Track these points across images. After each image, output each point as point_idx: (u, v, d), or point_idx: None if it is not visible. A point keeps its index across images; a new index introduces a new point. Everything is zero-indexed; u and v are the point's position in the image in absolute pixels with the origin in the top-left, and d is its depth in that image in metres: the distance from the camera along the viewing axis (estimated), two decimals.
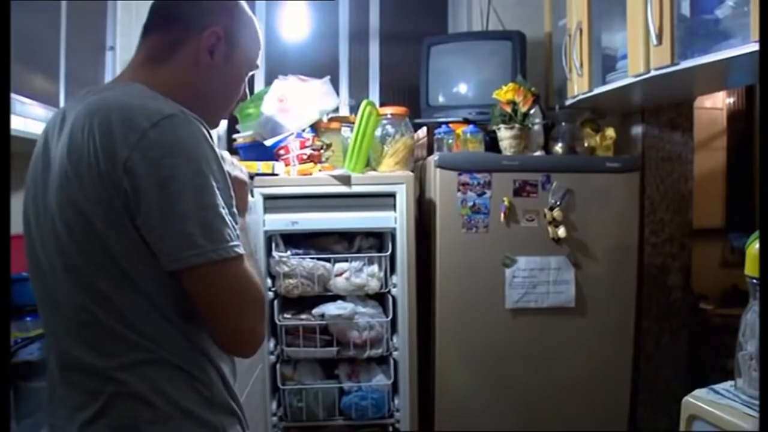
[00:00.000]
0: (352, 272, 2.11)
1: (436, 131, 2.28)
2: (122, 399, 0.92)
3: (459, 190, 2.10)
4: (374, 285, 2.13)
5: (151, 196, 0.86)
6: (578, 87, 2.18)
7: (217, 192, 0.90)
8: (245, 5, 1.09)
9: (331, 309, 2.11)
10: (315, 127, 2.31)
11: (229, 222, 0.91)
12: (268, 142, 2.20)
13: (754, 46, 1.37)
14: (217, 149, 0.93)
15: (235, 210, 0.95)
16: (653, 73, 1.74)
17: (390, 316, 2.14)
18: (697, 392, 1.36)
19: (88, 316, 0.92)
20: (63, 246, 0.93)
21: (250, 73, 1.13)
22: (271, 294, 2.11)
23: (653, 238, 2.38)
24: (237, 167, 1.15)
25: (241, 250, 0.91)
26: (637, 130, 2.42)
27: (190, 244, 0.87)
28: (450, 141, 2.23)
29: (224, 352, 0.99)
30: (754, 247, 1.28)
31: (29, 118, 1.64)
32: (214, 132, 2.52)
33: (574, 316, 2.18)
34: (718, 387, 1.35)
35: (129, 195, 0.87)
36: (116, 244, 0.90)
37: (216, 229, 0.88)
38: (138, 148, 0.86)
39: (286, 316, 2.14)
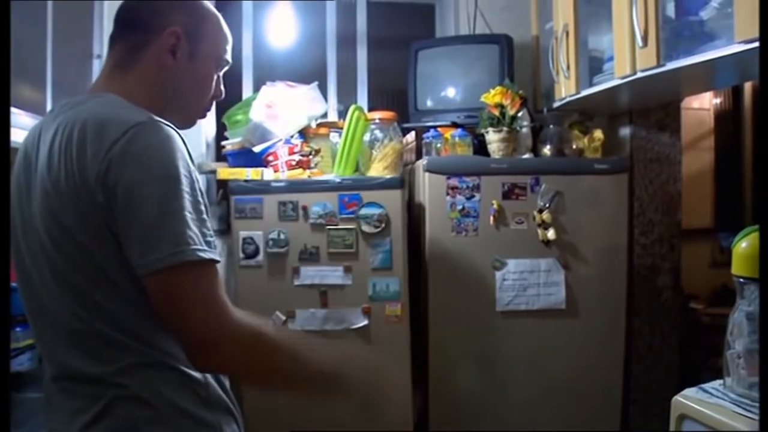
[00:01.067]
0: None
1: (425, 135, 2.28)
2: (121, 402, 0.92)
3: (448, 194, 2.11)
4: None
5: (121, 205, 0.87)
6: (566, 89, 2.18)
7: (186, 197, 0.89)
8: (205, 2, 1.08)
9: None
10: (304, 133, 2.31)
11: (195, 226, 0.89)
12: (257, 149, 2.19)
13: (739, 47, 1.38)
14: (187, 155, 0.93)
15: (205, 216, 0.93)
16: (639, 74, 1.75)
17: None
18: (687, 391, 1.37)
19: (81, 325, 0.93)
20: (50, 258, 0.93)
21: (222, 70, 1.12)
22: None
23: (643, 238, 2.38)
24: None
25: (207, 255, 0.89)
26: (625, 131, 2.43)
27: (153, 249, 0.86)
28: (438, 145, 2.23)
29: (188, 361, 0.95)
30: (740, 246, 1.29)
31: (16, 128, 1.63)
32: (203, 138, 2.53)
33: (565, 317, 2.18)
34: (707, 386, 1.35)
35: (104, 206, 0.88)
36: (100, 255, 0.90)
37: (179, 233, 0.87)
38: (108, 159, 0.87)
39: None
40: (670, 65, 1.65)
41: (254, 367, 0.99)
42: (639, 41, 1.70)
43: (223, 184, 2.25)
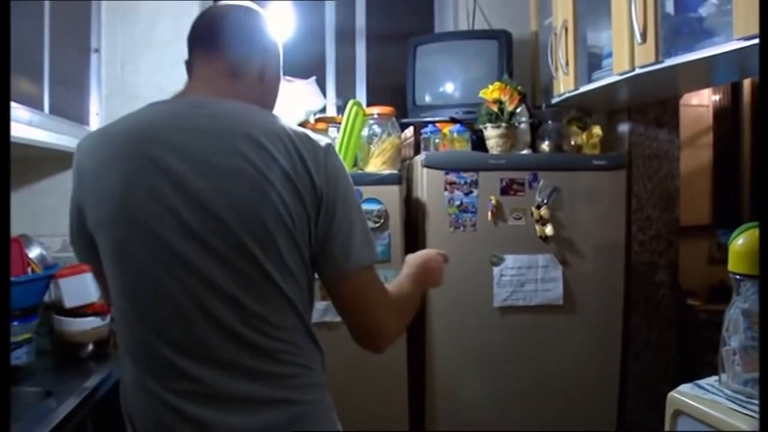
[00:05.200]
0: None
1: (423, 131, 2.28)
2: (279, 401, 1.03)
3: (446, 189, 2.11)
4: None
5: (337, 210, 1.03)
6: (564, 85, 2.18)
7: None
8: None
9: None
10: (302, 128, 2.30)
11: None
12: None
13: (738, 44, 1.38)
14: None
15: None
16: (638, 71, 1.75)
17: None
18: (682, 387, 1.37)
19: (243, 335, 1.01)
20: (209, 266, 0.98)
21: None
22: None
23: (640, 235, 2.39)
24: None
25: None
26: (624, 127, 2.43)
27: (365, 250, 1.05)
28: (437, 140, 2.23)
29: (362, 347, 1.13)
30: (736, 243, 1.30)
31: (13, 121, 1.63)
32: None
33: (563, 313, 2.18)
34: (702, 382, 1.36)
35: (312, 208, 1.02)
36: (275, 258, 1.00)
37: (371, 239, 1.09)
38: (324, 170, 1.02)
39: None
40: (669, 62, 1.65)
41: (408, 316, 1.22)
42: (638, 37, 1.69)
43: None
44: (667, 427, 1.42)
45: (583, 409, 2.24)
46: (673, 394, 1.39)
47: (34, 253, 2.20)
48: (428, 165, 2.12)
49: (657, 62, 1.68)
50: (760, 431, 1.03)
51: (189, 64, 1.16)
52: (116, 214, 1.02)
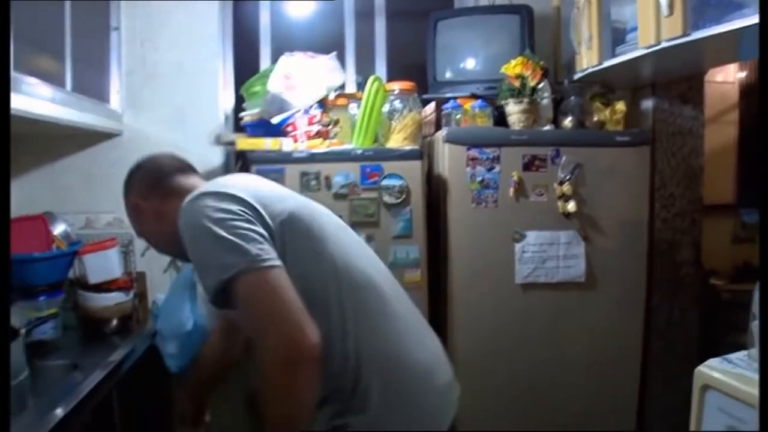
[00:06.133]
0: None
1: (444, 107, 2.26)
2: None
3: (468, 165, 2.09)
4: None
5: None
6: (587, 60, 2.15)
7: None
8: None
9: None
10: (322, 104, 2.30)
11: None
12: (275, 120, 2.19)
13: None
14: None
15: None
16: (664, 44, 1.72)
17: None
18: (711, 362, 1.36)
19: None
20: None
21: None
22: None
23: (663, 212, 2.36)
24: None
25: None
26: (648, 104, 2.39)
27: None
28: (458, 116, 2.21)
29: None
30: None
31: (36, 98, 1.65)
32: (221, 110, 2.52)
33: (585, 291, 2.17)
34: (731, 356, 1.35)
35: None
36: None
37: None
38: None
39: None
40: (696, 34, 1.61)
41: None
42: (664, 10, 1.66)
43: (241, 155, 2.25)
44: (694, 403, 1.41)
45: (603, 386, 2.23)
46: (701, 368, 1.38)
47: (58, 230, 2.23)
48: (450, 140, 2.11)
49: (684, 35, 1.65)
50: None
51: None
52: None
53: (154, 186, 1.39)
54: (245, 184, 1.26)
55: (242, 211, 1.18)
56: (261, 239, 1.15)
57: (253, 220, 1.17)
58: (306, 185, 2.02)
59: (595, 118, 2.26)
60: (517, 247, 2.12)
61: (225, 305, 1.15)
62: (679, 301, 2.40)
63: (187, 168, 1.45)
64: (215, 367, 1.77)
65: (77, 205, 2.36)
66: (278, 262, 1.13)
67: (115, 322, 2.15)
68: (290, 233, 1.21)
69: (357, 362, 1.19)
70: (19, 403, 1.54)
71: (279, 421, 1.09)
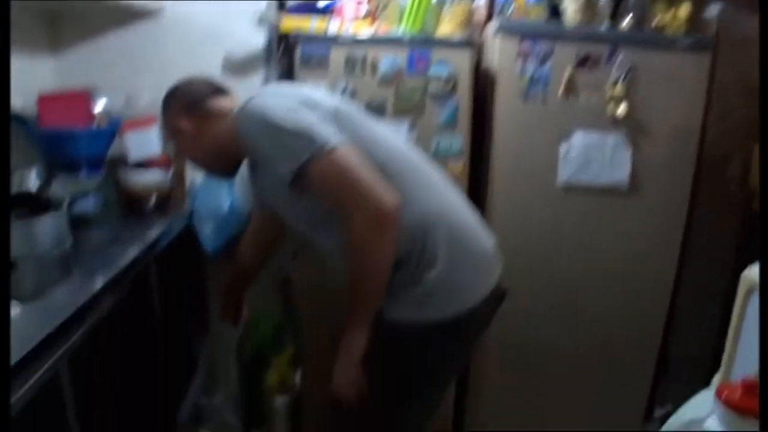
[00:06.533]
0: None
1: None
2: None
3: (518, 59, 2.01)
4: None
5: None
6: None
7: None
8: None
9: None
10: None
11: None
12: (322, 2, 2.12)
13: None
14: None
15: None
16: None
17: None
18: (756, 265, 1.33)
19: None
20: None
21: None
22: None
23: (716, 126, 2.27)
24: None
25: None
26: (713, 9, 2.26)
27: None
28: (511, 8, 2.11)
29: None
30: None
31: None
32: None
33: (626, 198, 2.13)
34: None
35: None
36: None
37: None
38: None
39: None
40: None
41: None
42: None
43: (284, 38, 2.19)
44: (736, 309, 1.39)
45: (634, 295, 2.23)
46: (747, 272, 1.35)
47: (100, 106, 2.23)
48: (502, 33, 2.02)
49: None
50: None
51: None
52: None
53: (191, 107, 1.49)
54: (290, 87, 1.42)
55: (300, 102, 1.32)
56: (325, 123, 1.30)
57: (312, 108, 1.32)
58: (351, 70, 1.97)
59: (656, 20, 2.14)
60: (562, 147, 2.07)
61: (302, 190, 1.29)
62: (721, 218, 2.35)
63: (223, 90, 1.54)
64: (252, 263, 1.90)
65: (118, 84, 2.35)
66: (346, 141, 1.28)
67: (153, 200, 2.17)
68: (343, 122, 1.34)
69: (424, 225, 1.36)
70: (63, 270, 1.59)
71: (370, 281, 1.31)
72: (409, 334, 1.39)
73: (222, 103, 1.51)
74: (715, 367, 1.48)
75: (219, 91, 1.54)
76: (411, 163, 1.45)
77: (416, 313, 1.37)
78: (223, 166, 1.56)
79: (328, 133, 1.27)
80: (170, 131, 1.55)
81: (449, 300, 1.37)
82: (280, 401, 2.31)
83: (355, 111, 1.45)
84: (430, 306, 1.37)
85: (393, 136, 1.50)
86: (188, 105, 1.50)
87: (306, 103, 1.33)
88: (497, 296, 1.49)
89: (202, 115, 1.48)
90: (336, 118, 1.34)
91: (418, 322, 1.38)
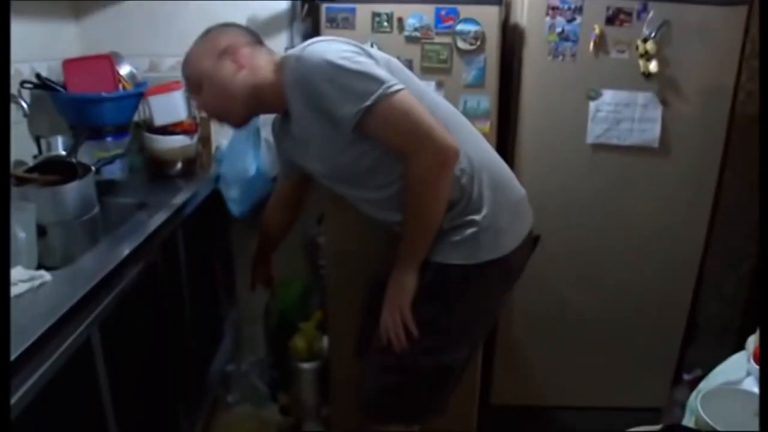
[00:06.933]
0: None
1: None
2: None
3: (547, 15, 1.97)
4: None
5: None
6: None
7: None
8: None
9: None
10: None
11: None
12: None
13: None
14: None
15: None
16: None
17: None
18: None
19: None
20: None
21: None
22: None
23: (750, 84, 2.21)
24: None
25: None
26: None
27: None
28: None
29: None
30: None
31: None
32: None
33: (656, 157, 2.09)
34: None
35: None
36: None
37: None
38: None
39: None
40: None
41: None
42: None
43: None
44: None
45: (662, 258, 2.21)
46: None
47: (124, 70, 2.23)
48: None
49: None
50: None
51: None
52: None
53: (226, 51, 1.46)
54: (339, 40, 1.39)
55: (357, 49, 1.35)
56: (383, 68, 1.34)
57: (367, 56, 1.35)
58: (377, 26, 1.94)
59: None
60: (592, 105, 2.03)
61: (362, 132, 1.32)
62: (752, 180, 2.29)
63: (258, 40, 1.53)
64: (279, 227, 1.93)
65: (142, 48, 2.34)
66: (404, 85, 1.31)
67: (179, 164, 2.18)
68: (393, 71, 1.37)
69: (471, 171, 1.43)
70: (91, 236, 1.60)
71: (429, 218, 1.38)
72: (456, 275, 1.44)
73: (257, 52, 1.48)
74: (743, 332, 1.47)
75: (256, 40, 1.52)
76: (454, 115, 1.53)
77: (463, 255, 1.43)
78: (246, 116, 1.54)
79: (388, 77, 1.30)
80: (199, 74, 1.48)
81: (495, 242, 1.44)
82: (307, 367, 2.33)
83: (401, 64, 1.49)
84: (477, 248, 1.43)
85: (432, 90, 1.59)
86: (223, 49, 1.46)
87: (361, 51, 1.36)
88: (533, 241, 1.60)
89: (235, 60, 1.45)
90: (388, 67, 1.38)
91: (465, 263, 1.43)
